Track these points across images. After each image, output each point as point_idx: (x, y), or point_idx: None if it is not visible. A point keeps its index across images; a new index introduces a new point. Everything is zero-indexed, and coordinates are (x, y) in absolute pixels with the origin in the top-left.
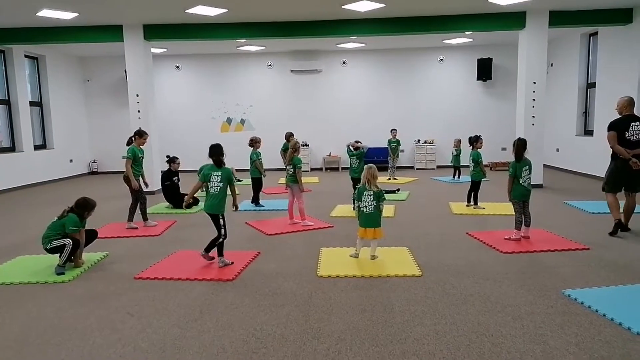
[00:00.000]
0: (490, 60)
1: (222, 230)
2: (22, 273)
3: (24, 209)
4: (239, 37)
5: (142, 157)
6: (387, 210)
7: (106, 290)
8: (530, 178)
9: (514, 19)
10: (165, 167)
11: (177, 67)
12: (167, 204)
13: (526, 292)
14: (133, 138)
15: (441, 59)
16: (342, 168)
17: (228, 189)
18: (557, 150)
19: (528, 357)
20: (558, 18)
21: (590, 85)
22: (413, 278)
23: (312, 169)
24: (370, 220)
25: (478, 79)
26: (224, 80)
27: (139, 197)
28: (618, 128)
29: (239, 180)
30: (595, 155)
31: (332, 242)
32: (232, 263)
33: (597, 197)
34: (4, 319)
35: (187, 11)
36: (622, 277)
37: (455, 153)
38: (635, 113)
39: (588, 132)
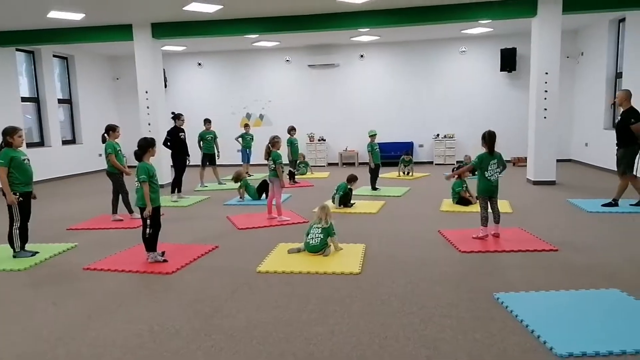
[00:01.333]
0: (514, 50)
1: (147, 223)
2: None
3: (44, 200)
4: (240, 33)
5: (120, 150)
6: (373, 206)
7: (50, 280)
8: (498, 172)
9: (525, 6)
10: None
11: (199, 64)
12: (170, 196)
13: (457, 294)
14: (106, 134)
15: (463, 50)
16: (359, 163)
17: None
18: (586, 144)
19: None
20: (573, 3)
21: (620, 76)
22: (350, 276)
23: (329, 164)
24: (314, 249)
25: (502, 70)
26: (244, 76)
27: (120, 191)
28: None
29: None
30: None
31: (299, 237)
32: (165, 261)
33: (609, 195)
34: None
35: (184, 8)
36: (573, 282)
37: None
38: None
39: None
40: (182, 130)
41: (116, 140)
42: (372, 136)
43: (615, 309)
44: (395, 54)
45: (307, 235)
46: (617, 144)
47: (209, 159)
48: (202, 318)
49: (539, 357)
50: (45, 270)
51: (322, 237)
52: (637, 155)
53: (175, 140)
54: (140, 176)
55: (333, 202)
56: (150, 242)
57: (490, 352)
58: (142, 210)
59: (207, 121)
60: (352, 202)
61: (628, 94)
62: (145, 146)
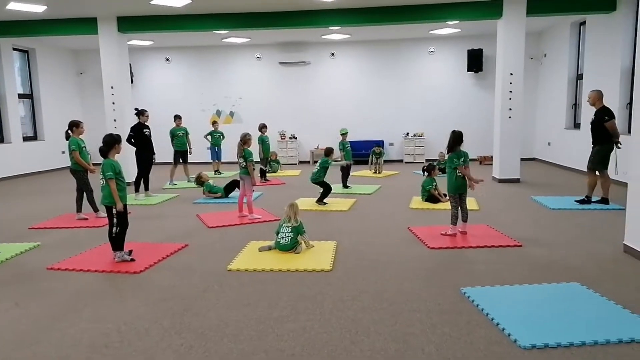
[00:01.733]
0: (480, 51)
1: (113, 221)
2: None
3: (4, 199)
4: (209, 29)
5: (85, 147)
6: (344, 204)
7: (12, 280)
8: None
9: (491, 8)
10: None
11: (167, 59)
12: (134, 195)
13: (425, 289)
14: (70, 131)
15: (432, 50)
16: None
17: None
18: (549, 144)
19: (378, 356)
20: (537, 6)
21: (581, 77)
22: (322, 273)
23: (300, 162)
24: (284, 248)
25: (468, 70)
26: (213, 72)
27: (84, 189)
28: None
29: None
30: (582, 150)
31: (270, 235)
32: (133, 260)
33: (570, 192)
34: None
35: (151, 2)
36: (536, 276)
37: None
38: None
39: (577, 126)
40: (147, 127)
41: (80, 136)
42: (344, 134)
43: (576, 302)
44: (365, 52)
45: (277, 234)
46: (592, 142)
47: (181, 155)
48: (171, 317)
49: (504, 349)
50: (7, 271)
51: (292, 236)
52: (612, 153)
53: (140, 137)
54: (107, 173)
55: (312, 179)
56: (117, 241)
57: (457, 345)
58: (108, 208)
59: (177, 117)
60: (325, 201)
61: (600, 94)
62: (111, 142)
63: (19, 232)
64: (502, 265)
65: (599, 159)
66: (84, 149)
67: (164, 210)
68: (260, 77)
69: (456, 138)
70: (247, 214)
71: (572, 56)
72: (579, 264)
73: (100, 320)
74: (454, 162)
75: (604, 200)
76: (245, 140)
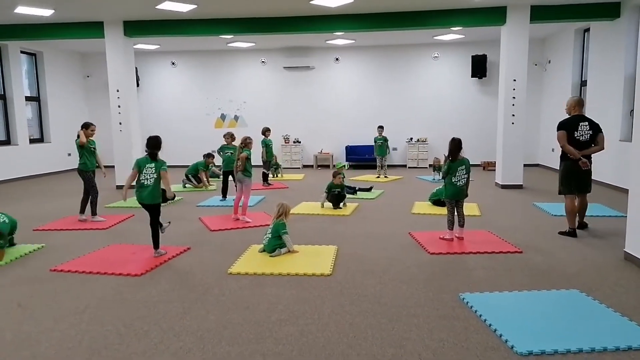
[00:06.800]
0: (484, 57)
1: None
2: None
3: (10, 200)
4: (214, 33)
5: (94, 148)
6: (346, 208)
7: (16, 281)
8: (465, 178)
9: (495, 14)
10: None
11: (173, 63)
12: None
13: (424, 294)
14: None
15: (436, 56)
16: (333, 165)
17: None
18: (553, 150)
19: None
20: (541, 13)
21: (585, 84)
22: (321, 277)
23: (303, 166)
24: (265, 248)
25: (472, 76)
26: (218, 76)
27: (91, 191)
28: (567, 127)
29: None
30: None
31: None
32: (166, 253)
33: None
34: None
35: (157, 7)
36: (535, 283)
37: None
38: (586, 114)
39: None
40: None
41: (90, 138)
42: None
43: (574, 309)
44: (370, 58)
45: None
46: None
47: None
48: (170, 319)
49: (501, 355)
50: (11, 272)
51: (269, 236)
52: (571, 175)
53: None
54: (163, 167)
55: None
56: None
57: (453, 350)
58: (154, 206)
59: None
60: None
61: (575, 101)
62: (159, 145)
63: (24, 234)
64: (502, 272)
65: (559, 179)
66: (94, 150)
67: (168, 213)
68: (264, 81)
69: (456, 146)
70: (240, 216)
71: (577, 62)
72: (579, 270)
73: (101, 322)
74: (445, 170)
75: (570, 232)
76: (246, 143)
